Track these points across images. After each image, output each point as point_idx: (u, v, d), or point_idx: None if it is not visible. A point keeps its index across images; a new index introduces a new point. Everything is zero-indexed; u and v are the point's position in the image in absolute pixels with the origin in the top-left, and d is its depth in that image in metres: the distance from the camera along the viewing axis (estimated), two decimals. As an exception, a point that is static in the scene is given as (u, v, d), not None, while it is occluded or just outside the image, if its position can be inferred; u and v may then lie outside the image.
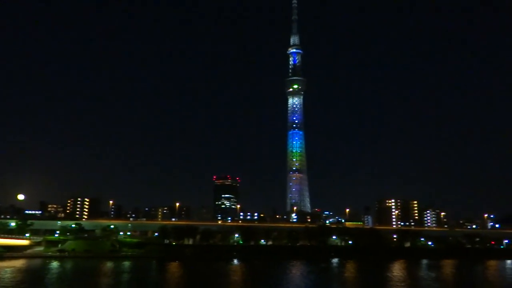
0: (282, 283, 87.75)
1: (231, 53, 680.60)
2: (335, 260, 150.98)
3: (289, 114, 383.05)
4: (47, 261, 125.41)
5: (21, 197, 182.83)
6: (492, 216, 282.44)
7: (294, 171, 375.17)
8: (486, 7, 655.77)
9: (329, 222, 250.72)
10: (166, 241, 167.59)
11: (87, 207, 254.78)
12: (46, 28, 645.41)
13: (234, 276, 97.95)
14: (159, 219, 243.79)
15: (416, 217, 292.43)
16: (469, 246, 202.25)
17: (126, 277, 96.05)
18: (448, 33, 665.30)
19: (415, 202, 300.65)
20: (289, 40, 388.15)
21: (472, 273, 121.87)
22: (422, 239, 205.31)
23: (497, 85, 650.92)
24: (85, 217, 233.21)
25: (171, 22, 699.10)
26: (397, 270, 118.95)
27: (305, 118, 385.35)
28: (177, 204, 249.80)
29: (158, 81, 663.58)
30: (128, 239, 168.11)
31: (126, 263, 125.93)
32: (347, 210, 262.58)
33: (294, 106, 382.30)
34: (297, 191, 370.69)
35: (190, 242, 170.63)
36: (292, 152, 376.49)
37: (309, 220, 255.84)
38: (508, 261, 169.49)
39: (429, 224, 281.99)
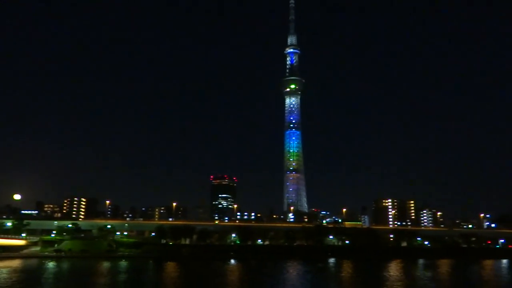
0: (279, 283, 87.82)
1: (228, 53, 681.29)
2: (332, 260, 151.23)
3: (286, 114, 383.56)
4: (44, 261, 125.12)
5: (17, 197, 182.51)
6: (488, 216, 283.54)
7: (291, 171, 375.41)
8: (486, 7, 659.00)
9: (326, 222, 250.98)
10: (163, 241, 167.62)
11: (83, 207, 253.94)
12: (46, 28, 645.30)
13: (231, 276, 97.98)
14: (156, 219, 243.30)
15: (413, 217, 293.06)
16: (465, 245, 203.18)
17: (123, 277, 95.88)
18: (447, 32, 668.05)
19: (412, 202, 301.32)
20: (287, 40, 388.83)
21: (468, 273, 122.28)
22: (419, 238, 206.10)
23: (497, 85, 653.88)
24: (82, 217, 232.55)
25: (170, 23, 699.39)
26: (393, 269, 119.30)
27: (302, 118, 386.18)
28: (174, 204, 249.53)
29: (156, 82, 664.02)
30: (125, 239, 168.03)
31: (123, 263, 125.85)
32: (344, 210, 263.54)
33: (291, 106, 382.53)
34: (294, 191, 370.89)
35: (187, 242, 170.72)
36: (289, 152, 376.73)
37: (306, 220, 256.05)
38: (504, 261, 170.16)
39: (425, 224, 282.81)
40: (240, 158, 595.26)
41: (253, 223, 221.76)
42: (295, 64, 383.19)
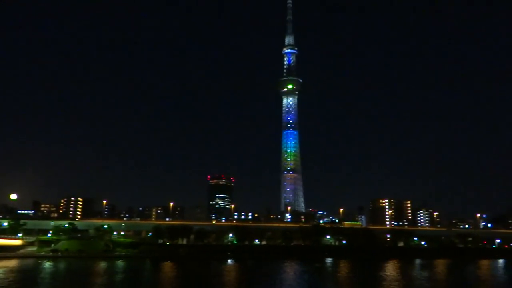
0: (276, 283, 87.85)
1: (226, 53, 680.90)
2: (329, 260, 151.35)
3: (283, 114, 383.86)
4: (40, 261, 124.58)
5: (13, 196, 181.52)
6: (484, 216, 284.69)
7: (288, 171, 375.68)
8: (486, 7, 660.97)
9: (323, 222, 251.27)
10: (160, 241, 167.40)
11: (80, 206, 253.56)
12: (46, 28, 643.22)
13: (228, 276, 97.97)
14: (153, 219, 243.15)
15: (410, 217, 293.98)
16: (461, 245, 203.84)
17: (119, 277, 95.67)
18: (447, 32, 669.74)
19: (409, 202, 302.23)
20: (284, 40, 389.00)
21: (464, 273, 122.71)
22: (415, 238, 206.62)
23: (496, 85, 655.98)
24: (79, 217, 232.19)
25: (170, 23, 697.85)
26: (390, 269, 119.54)
27: (299, 118, 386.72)
28: (171, 203, 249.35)
29: (154, 82, 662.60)
30: (121, 239, 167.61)
31: (120, 263, 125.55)
32: (341, 210, 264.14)
33: (289, 106, 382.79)
34: (291, 191, 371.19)
35: (184, 242, 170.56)
36: (286, 152, 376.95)
37: (303, 220, 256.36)
38: (500, 261, 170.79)
39: (422, 224, 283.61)
40: (237, 158, 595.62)
41: (250, 223, 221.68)
42: (292, 64, 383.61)
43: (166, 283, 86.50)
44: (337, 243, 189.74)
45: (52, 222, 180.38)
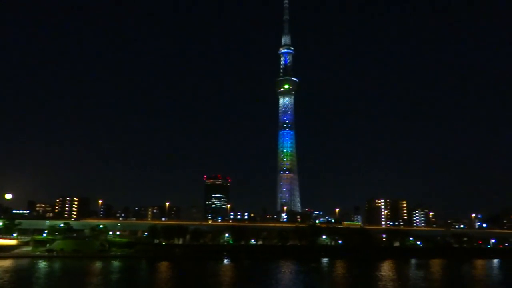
0: (272, 282, 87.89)
1: (222, 53, 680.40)
2: (325, 260, 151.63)
3: (280, 114, 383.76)
4: (35, 261, 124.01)
5: (8, 196, 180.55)
6: (479, 216, 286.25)
7: (284, 171, 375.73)
8: (486, 7, 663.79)
9: (319, 222, 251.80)
10: (156, 241, 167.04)
11: (76, 206, 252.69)
12: (46, 28, 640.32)
13: (224, 276, 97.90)
14: (149, 219, 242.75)
15: (405, 217, 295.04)
16: (457, 245, 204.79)
17: (115, 277, 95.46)
18: (447, 32, 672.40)
19: (404, 202, 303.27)
20: (281, 40, 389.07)
21: (459, 272, 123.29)
22: (411, 238, 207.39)
23: (496, 85, 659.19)
24: (74, 216, 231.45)
25: (166, 23, 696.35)
26: (386, 269, 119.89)
27: (296, 118, 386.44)
28: (167, 203, 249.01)
29: (152, 82, 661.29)
30: (117, 239, 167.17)
31: (116, 263, 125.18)
32: (337, 210, 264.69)
33: (285, 106, 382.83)
34: (288, 191, 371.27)
35: (180, 241, 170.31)
36: (283, 152, 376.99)
37: (299, 220, 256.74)
38: (495, 260, 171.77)
39: (417, 224, 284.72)
40: (233, 158, 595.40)
41: (246, 223, 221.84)
42: (289, 64, 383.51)
43: (162, 283, 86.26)
44: (333, 243, 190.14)
45: (47, 221, 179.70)
